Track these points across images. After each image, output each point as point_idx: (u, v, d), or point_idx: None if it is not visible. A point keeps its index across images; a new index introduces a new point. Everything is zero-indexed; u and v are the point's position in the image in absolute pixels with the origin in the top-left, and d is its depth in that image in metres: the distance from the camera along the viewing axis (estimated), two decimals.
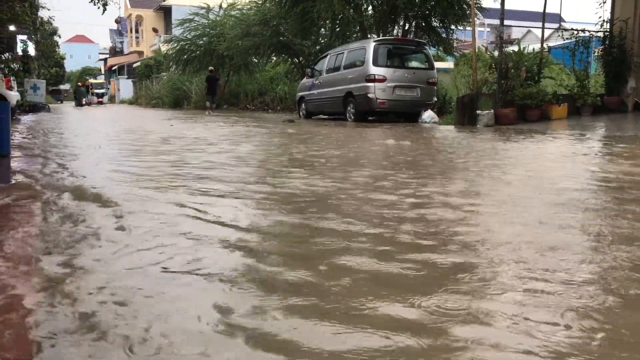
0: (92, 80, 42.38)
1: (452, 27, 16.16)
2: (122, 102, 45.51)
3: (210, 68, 22.90)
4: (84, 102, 33.06)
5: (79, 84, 39.55)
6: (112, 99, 40.40)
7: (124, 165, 5.22)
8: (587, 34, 12.40)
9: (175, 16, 35.57)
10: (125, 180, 4.16)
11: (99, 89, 37.37)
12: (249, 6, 22.75)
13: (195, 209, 3.01)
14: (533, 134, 8.67)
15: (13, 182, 4.06)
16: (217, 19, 26.31)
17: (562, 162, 5.51)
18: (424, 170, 4.81)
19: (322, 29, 18.17)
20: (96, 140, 8.24)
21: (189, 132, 9.72)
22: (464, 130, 9.92)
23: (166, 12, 45.68)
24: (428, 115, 12.09)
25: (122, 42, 62.52)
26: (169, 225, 2.67)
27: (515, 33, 41.02)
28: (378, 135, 9.05)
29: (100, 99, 35.57)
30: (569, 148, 6.68)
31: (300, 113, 15.75)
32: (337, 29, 16.81)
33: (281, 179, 4.26)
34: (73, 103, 34.44)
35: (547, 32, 13.59)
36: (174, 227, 2.64)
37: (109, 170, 4.72)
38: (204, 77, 23.50)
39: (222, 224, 2.73)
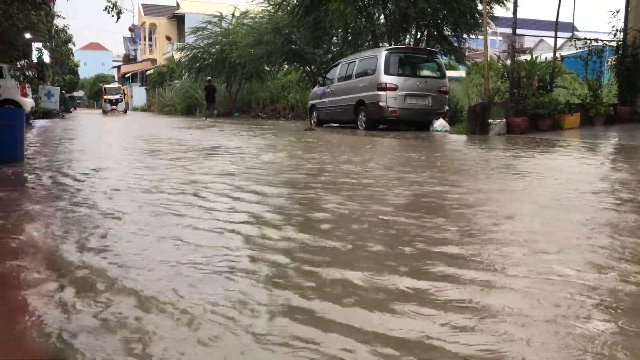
0: (105, 85, 41.04)
1: (464, 36, 16.15)
2: (135, 109, 45.91)
3: (208, 78, 23.91)
4: (74, 109, 35.72)
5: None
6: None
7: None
8: (600, 43, 12.32)
9: (189, 24, 35.96)
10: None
11: (113, 94, 34.49)
12: (261, 15, 22.92)
13: None
14: (561, 145, 8.47)
15: None
16: (230, 27, 26.55)
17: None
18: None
19: (334, 38, 18.25)
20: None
21: (230, 143, 8.98)
22: (480, 140, 9.72)
23: (179, 20, 46.19)
24: (439, 124, 12.05)
25: (135, 50, 63.20)
26: None
27: (528, 42, 40.92)
28: (407, 147, 8.60)
29: (114, 106, 33.77)
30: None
31: (312, 121, 15.76)
32: (349, 38, 16.86)
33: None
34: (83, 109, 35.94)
35: (559, 41, 13.56)
36: None
37: None
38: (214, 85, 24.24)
39: None
